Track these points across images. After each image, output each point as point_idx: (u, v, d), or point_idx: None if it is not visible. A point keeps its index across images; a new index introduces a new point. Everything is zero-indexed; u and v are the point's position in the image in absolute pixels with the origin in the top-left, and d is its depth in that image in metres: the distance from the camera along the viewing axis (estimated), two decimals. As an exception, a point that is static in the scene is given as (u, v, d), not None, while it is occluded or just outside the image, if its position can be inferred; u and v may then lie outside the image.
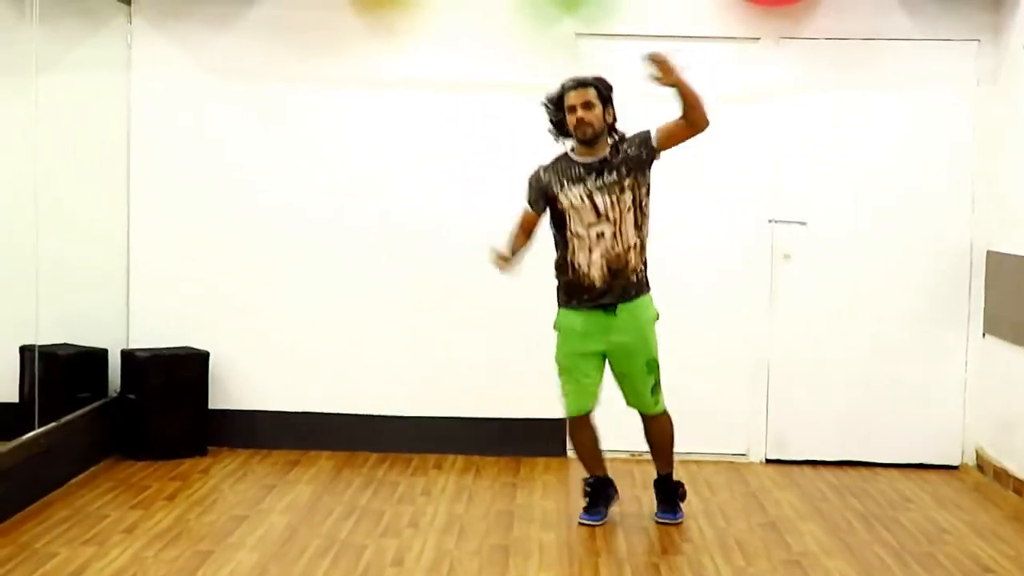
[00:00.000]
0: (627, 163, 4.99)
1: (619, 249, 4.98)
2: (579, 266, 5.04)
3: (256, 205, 6.45)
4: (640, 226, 5.04)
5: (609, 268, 4.99)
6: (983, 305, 6.30)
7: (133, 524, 5.00)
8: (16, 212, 5.67)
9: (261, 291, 6.48)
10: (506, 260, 5.07)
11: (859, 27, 6.32)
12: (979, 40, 6.29)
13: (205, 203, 6.46)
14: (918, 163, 6.38)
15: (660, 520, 5.25)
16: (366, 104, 6.41)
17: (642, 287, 5.09)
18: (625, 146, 5.03)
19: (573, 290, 5.09)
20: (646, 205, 5.05)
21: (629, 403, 5.24)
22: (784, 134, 6.39)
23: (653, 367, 5.12)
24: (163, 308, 6.46)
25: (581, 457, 5.34)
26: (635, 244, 5.01)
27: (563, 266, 5.12)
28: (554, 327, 5.19)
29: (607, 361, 5.16)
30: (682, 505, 5.33)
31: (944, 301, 6.39)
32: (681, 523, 5.22)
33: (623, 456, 6.23)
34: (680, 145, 5.03)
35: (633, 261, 5.02)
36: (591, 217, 4.98)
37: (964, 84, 6.34)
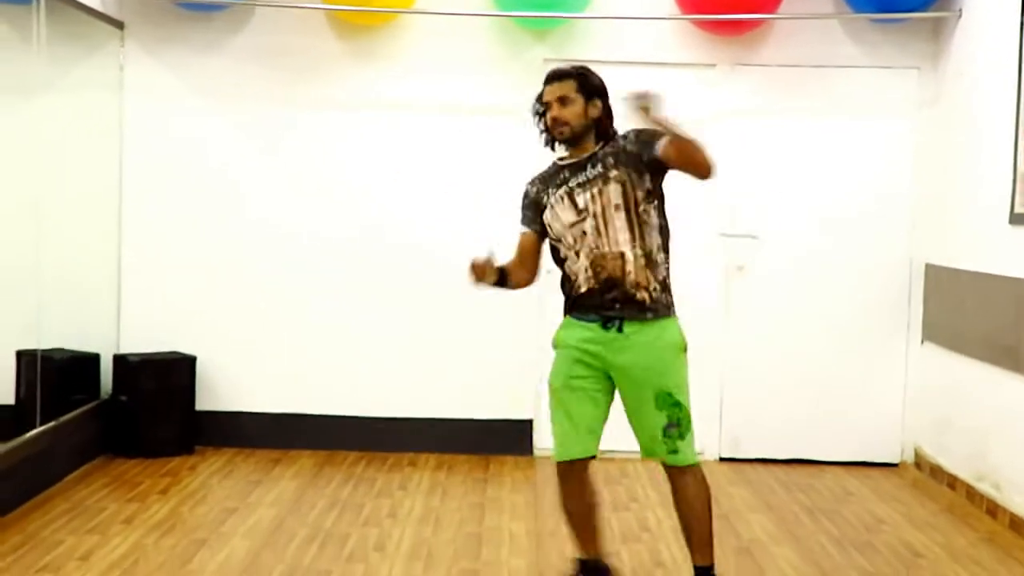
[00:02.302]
0: (618, 156, 4.14)
1: (605, 249, 4.07)
2: (572, 276, 4.20)
3: (241, 218, 6.77)
4: (638, 232, 4.09)
5: (595, 272, 4.10)
6: (922, 314, 6.66)
7: (131, 515, 5.34)
8: (14, 224, 5.96)
9: (246, 299, 6.79)
10: (485, 268, 4.17)
11: (808, 55, 6.67)
12: (919, 68, 6.67)
13: (193, 216, 6.76)
14: (862, 182, 6.74)
15: None
16: (348, 124, 6.74)
17: (659, 309, 4.14)
18: (622, 140, 4.19)
19: (571, 304, 4.24)
20: (646, 212, 4.11)
21: (644, 453, 4.26)
22: (738, 154, 6.71)
23: (666, 402, 4.12)
24: (152, 315, 6.75)
25: (569, 525, 4.33)
26: (634, 250, 4.07)
27: (563, 282, 4.28)
28: (552, 345, 4.34)
29: (616, 394, 4.23)
30: None
31: (886, 310, 6.76)
32: None
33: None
34: (688, 175, 4.11)
35: (634, 274, 4.07)
36: (572, 216, 4.14)
37: (905, 109, 6.72)
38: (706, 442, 6.80)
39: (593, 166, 4.16)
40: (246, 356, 6.81)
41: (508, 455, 6.69)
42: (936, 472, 6.43)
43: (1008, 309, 5.57)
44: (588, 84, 4.19)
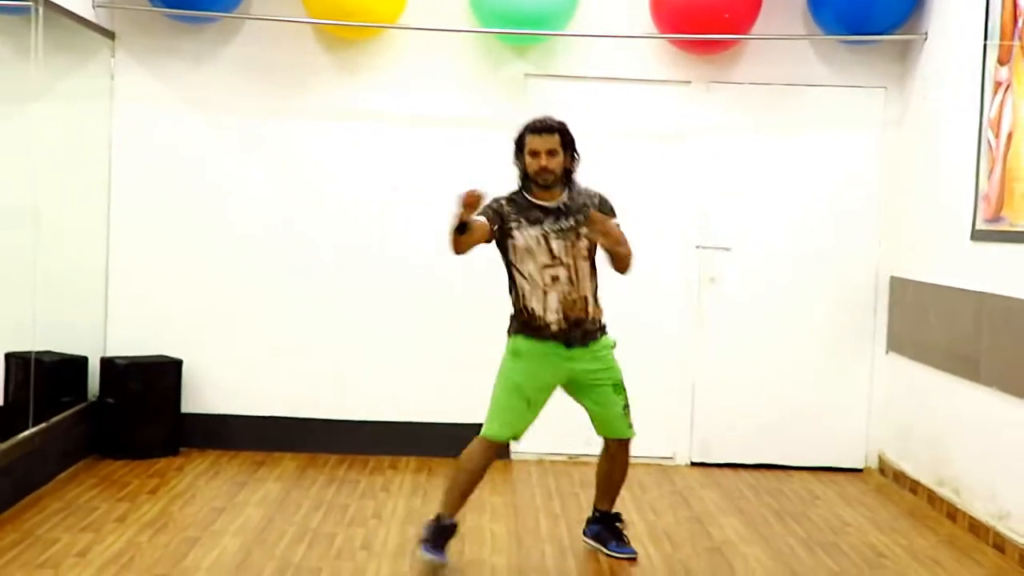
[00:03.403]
0: (584, 213, 4.81)
1: (575, 296, 4.82)
2: (533, 310, 4.86)
3: (227, 225, 6.92)
4: (593, 279, 4.91)
5: (567, 316, 4.83)
6: (886, 325, 6.89)
7: (123, 514, 5.48)
8: (4, 228, 6.08)
9: (231, 305, 6.94)
10: (477, 200, 4.55)
11: (780, 74, 6.89)
12: (886, 87, 6.90)
13: (180, 222, 6.90)
14: (830, 196, 6.96)
15: (620, 555, 5.13)
16: (334, 134, 6.91)
17: (602, 329, 5.01)
18: (582, 197, 4.90)
19: (533, 326, 4.89)
20: (595, 260, 4.92)
21: (601, 432, 5.09)
22: (711, 169, 6.93)
23: (620, 389, 5.01)
24: (140, 319, 6.89)
25: (463, 486, 4.96)
26: (592, 294, 4.89)
27: (518, 311, 4.94)
28: (509, 352, 4.97)
29: (570, 392, 5.03)
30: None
31: (852, 321, 6.98)
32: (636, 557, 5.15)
33: (562, 459, 6.85)
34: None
35: (591, 311, 4.89)
36: (545, 259, 4.80)
37: (872, 126, 6.94)
38: (678, 447, 7.01)
39: (567, 218, 4.85)
40: (231, 360, 6.95)
41: (486, 458, 6.86)
42: (899, 477, 6.65)
43: (968, 321, 5.80)
44: (568, 138, 4.89)
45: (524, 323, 4.91)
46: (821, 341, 7.01)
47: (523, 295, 4.88)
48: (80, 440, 6.53)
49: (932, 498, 6.19)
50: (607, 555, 5.15)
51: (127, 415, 6.63)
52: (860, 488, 6.61)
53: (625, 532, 5.25)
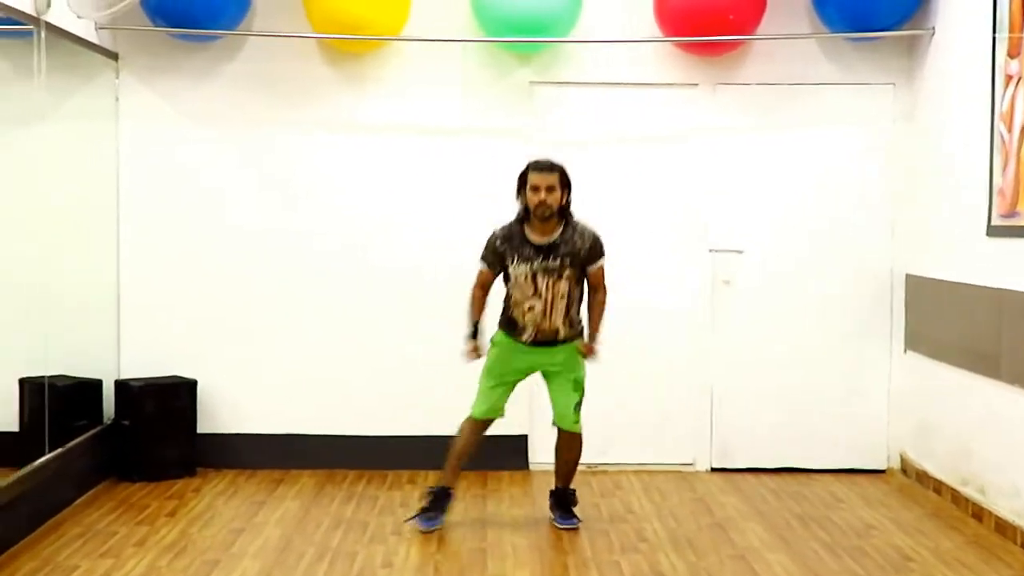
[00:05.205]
0: (572, 256, 5.51)
1: (546, 326, 5.55)
2: (515, 317, 5.61)
3: (237, 243, 6.89)
4: (568, 311, 5.57)
5: (537, 336, 5.57)
6: (904, 324, 6.83)
7: (142, 538, 5.46)
8: (15, 252, 6.04)
9: (243, 323, 6.91)
10: (475, 349, 5.67)
11: (787, 73, 6.85)
12: (895, 84, 6.86)
13: (189, 241, 6.88)
14: (843, 195, 6.92)
15: (561, 526, 5.73)
16: (340, 147, 6.88)
17: (572, 337, 5.65)
18: (576, 237, 5.54)
19: (513, 328, 5.64)
20: (577, 293, 5.60)
21: (555, 420, 5.74)
22: (721, 171, 6.90)
23: (579, 386, 5.68)
24: (152, 340, 6.86)
25: (453, 459, 5.76)
26: (564, 320, 5.56)
27: (505, 310, 5.69)
28: (491, 341, 5.71)
29: (543, 379, 5.74)
30: (575, 510, 5.83)
31: (868, 321, 6.94)
32: (579, 526, 5.71)
33: (580, 469, 6.78)
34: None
35: (562, 333, 5.58)
36: (529, 291, 5.52)
37: (882, 123, 6.89)
38: (697, 453, 6.97)
39: (554, 259, 5.52)
40: (245, 379, 6.92)
41: (504, 470, 6.82)
42: (922, 477, 6.60)
43: (987, 318, 5.76)
44: (565, 177, 5.55)
45: (507, 321, 5.67)
46: (838, 341, 6.96)
47: (511, 304, 5.64)
48: (97, 464, 6.51)
49: (956, 498, 6.14)
50: (555, 526, 5.76)
51: (143, 437, 6.60)
52: (883, 489, 6.57)
53: (574, 506, 5.84)
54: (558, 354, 5.64)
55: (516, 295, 5.58)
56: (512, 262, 5.56)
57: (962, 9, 6.22)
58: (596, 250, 5.59)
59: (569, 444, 5.79)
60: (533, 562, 5.22)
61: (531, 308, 5.54)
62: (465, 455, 5.79)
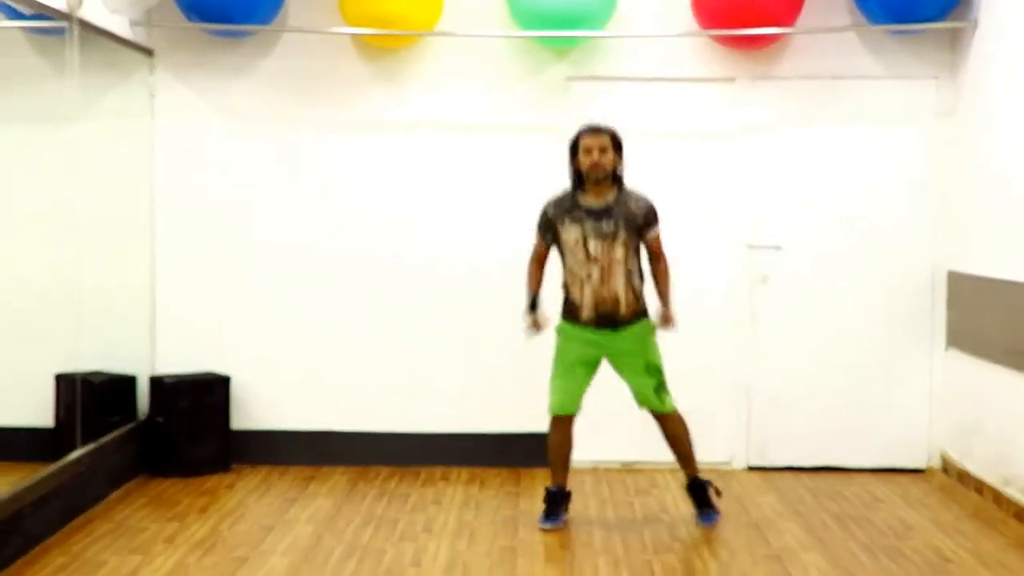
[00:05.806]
0: (627, 219, 5.45)
1: (606, 294, 5.44)
2: (574, 297, 5.53)
3: (271, 241, 6.88)
4: (628, 279, 5.48)
5: (598, 308, 5.46)
6: (945, 321, 6.71)
7: (172, 535, 5.46)
8: (51, 250, 6.10)
9: (277, 320, 6.90)
10: (536, 322, 5.60)
11: (827, 67, 6.74)
12: (937, 77, 6.73)
13: (224, 239, 6.88)
14: (883, 191, 6.80)
15: (700, 524, 5.68)
16: (374, 144, 6.85)
17: (639, 316, 5.55)
18: (631, 202, 5.49)
19: (573, 310, 5.55)
20: (635, 261, 5.52)
21: (640, 404, 5.65)
22: (760, 167, 6.81)
23: (653, 371, 5.58)
24: (187, 337, 6.87)
25: (552, 459, 5.72)
26: (624, 291, 5.47)
27: (564, 295, 5.61)
28: (556, 331, 5.64)
29: (612, 366, 5.62)
30: (717, 502, 5.77)
31: (909, 318, 6.82)
32: (716, 522, 5.67)
33: (615, 467, 6.74)
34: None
35: (624, 308, 5.47)
36: (582, 256, 5.46)
37: (924, 118, 6.77)
38: (734, 451, 6.89)
39: (608, 222, 5.45)
40: (279, 375, 6.92)
41: (538, 468, 6.72)
42: (963, 477, 6.48)
43: (1031, 315, 5.64)
44: (617, 140, 5.54)
45: (567, 308, 5.60)
46: (878, 339, 6.85)
47: (568, 282, 5.58)
48: (130, 460, 6.52)
49: (998, 498, 6.02)
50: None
51: (177, 433, 6.61)
52: (923, 489, 6.45)
53: (718, 496, 5.79)
54: (622, 340, 5.52)
55: (572, 265, 5.51)
56: (563, 225, 5.51)
57: (1005, 1, 6.08)
58: (652, 216, 5.54)
59: (665, 424, 5.69)
60: (564, 561, 5.16)
61: (589, 276, 5.46)
62: (559, 453, 5.71)
